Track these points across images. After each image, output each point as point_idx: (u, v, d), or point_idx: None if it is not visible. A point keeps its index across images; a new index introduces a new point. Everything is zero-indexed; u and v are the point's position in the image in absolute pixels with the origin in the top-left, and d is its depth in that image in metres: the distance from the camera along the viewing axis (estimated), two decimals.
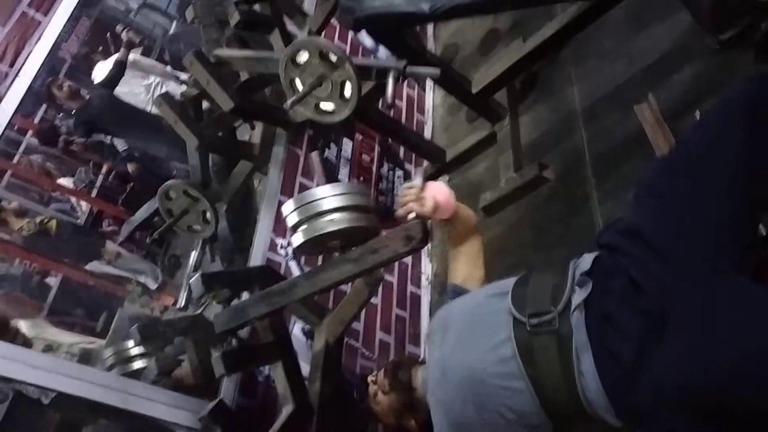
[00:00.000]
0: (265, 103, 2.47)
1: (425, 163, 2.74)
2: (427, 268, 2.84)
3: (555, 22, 2.35)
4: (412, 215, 1.38)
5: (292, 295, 1.61)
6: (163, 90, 4.04)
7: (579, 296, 1.21)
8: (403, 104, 3.35)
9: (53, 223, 4.22)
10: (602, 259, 1.26)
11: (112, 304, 4.24)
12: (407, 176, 3.08)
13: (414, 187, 1.44)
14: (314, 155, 1.70)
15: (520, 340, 1.24)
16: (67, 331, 3.54)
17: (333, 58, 1.82)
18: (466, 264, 1.65)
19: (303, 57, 1.86)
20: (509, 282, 1.37)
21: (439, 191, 1.49)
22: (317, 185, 1.56)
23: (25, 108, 4.20)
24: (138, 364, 2.12)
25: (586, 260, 1.27)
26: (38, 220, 4.15)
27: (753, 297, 1.04)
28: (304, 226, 1.59)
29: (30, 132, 4.97)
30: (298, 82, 1.94)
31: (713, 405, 1.02)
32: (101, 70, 4.11)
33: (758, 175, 1.16)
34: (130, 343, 2.16)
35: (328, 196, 1.57)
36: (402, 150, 3.11)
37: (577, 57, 2.62)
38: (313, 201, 1.57)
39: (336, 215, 1.56)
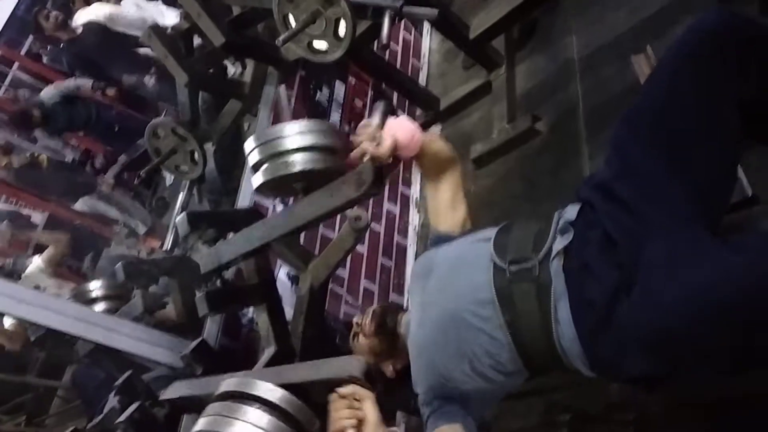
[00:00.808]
0: (258, 39, 2.40)
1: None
2: (414, 218, 2.82)
3: None
4: (366, 157, 1.31)
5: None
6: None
7: (560, 244, 1.21)
8: (399, 48, 3.27)
9: (44, 157, 4.15)
10: (585, 211, 1.25)
11: (99, 245, 4.24)
12: None
13: (369, 126, 1.36)
14: (281, 89, 1.61)
15: (500, 287, 1.24)
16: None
17: None
18: (446, 201, 1.59)
19: None
20: (494, 230, 1.36)
21: (399, 128, 1.39)
22: (284, 121, 1.48)
23: (9, 35, 4.08)
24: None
25: (571, 210, 1.26)
26: (28, 154, 4.08)
27: (706, 250, 1.05)
28: (265, 166, 1.51)
29: (16, 63, 4.85)
30: (291, 18, 1.88)
31: (669, 347, 1.05)
32: (83, 18, 3.94)
33: (719, 116, 1.13)
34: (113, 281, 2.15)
35: (291, 134, 1.48)
36: (396, 96, 3.04)
37: (579, 5, 2.55)
38: (275, 139, 1.47)
39: (297, 156, 1.47)
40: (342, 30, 1.83)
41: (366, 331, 1.55)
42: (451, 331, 1.29)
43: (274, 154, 1.45)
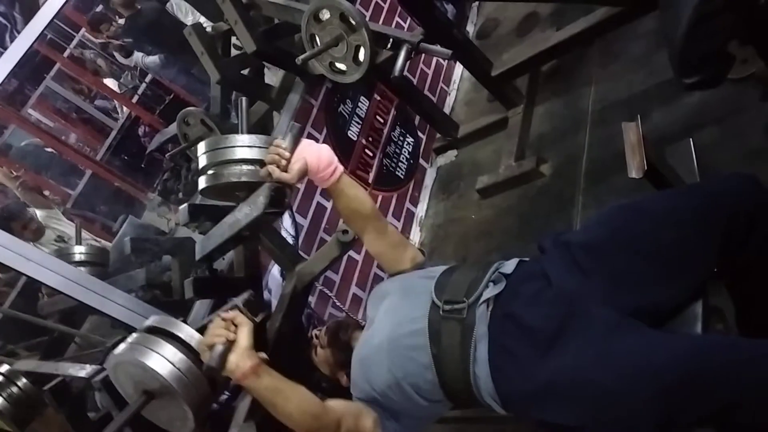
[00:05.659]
0: (288, 50, 2.54)
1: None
2: (416, 236, 2.91)
3: (588, 18, 2.38)
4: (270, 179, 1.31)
5: None
6: None
7: (489, 292, 1.33)
8: (430, 71, 3.37)
9: None
10: (526, 264, 1.37)
11: (133, 209, 4.49)
12: (417, 144, 3.15)
13: (279, 146, 1.32)
14: (243, 100, 1.57)
15: (432, 321, 1.37)
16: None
17: (352, 21, 1.88)
18: (388, 246, 1.62)
19: (325, 15, 1.93)
20: (442, 268, 1.49)
21: (311, 154, 1.36)
22: (240, 132, 1.45)
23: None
24: None
25: (510, 264, 1.38)
26: None
27: (628, 342, 1.14)
28: (211, 171, 1.48)
29: (83, 29, 5.14)
30: (317, 39, 2.02)
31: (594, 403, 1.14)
32: None
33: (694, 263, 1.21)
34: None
35: (242, 145, 1.45)
36: (417, 118, 3.15)
37: (603, 56, 2.62)
38: (225, 147, 1.45)
39: (244, 167, 1.43)
40: (362, 56, 1.96)
41: (322, 342, 1.68)
42: (385, 354, 1.41)
43: (221, 162, 1.44)
